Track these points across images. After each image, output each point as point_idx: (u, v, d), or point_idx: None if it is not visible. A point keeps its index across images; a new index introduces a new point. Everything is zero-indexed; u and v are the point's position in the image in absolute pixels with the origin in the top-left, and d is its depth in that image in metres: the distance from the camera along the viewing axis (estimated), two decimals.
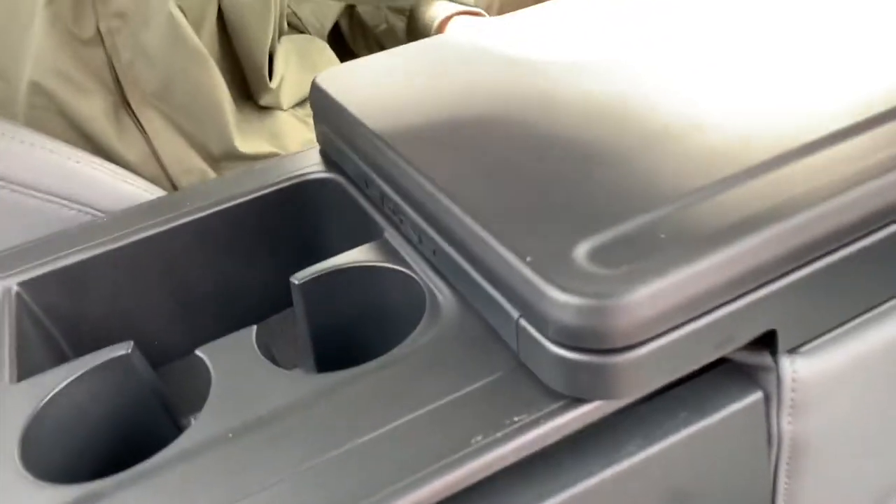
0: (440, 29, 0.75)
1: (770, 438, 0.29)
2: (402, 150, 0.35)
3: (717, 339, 0.26)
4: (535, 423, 0.26)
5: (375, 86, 0.41)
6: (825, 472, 0.31)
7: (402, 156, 0.35)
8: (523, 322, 0.27)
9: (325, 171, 0.42)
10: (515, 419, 0.26)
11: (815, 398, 0.28)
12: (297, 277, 0.35)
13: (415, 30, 0.78)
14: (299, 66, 0.68)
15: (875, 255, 0.28)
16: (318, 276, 0.35)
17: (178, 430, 0.30)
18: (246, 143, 0.60)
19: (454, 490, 0.25)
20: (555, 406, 0.26)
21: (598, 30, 0.43)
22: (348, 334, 0.37)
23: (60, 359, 0.37)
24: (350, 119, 0.39)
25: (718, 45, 0.39)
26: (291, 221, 0.42)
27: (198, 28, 0.59)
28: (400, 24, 0.81)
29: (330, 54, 0.73)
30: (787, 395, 0.28)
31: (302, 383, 0.30)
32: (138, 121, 0.59)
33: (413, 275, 0.34)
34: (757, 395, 0.28)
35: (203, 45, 0.58)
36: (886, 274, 0.29)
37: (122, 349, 0.33)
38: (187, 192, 0.42)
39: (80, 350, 0.34)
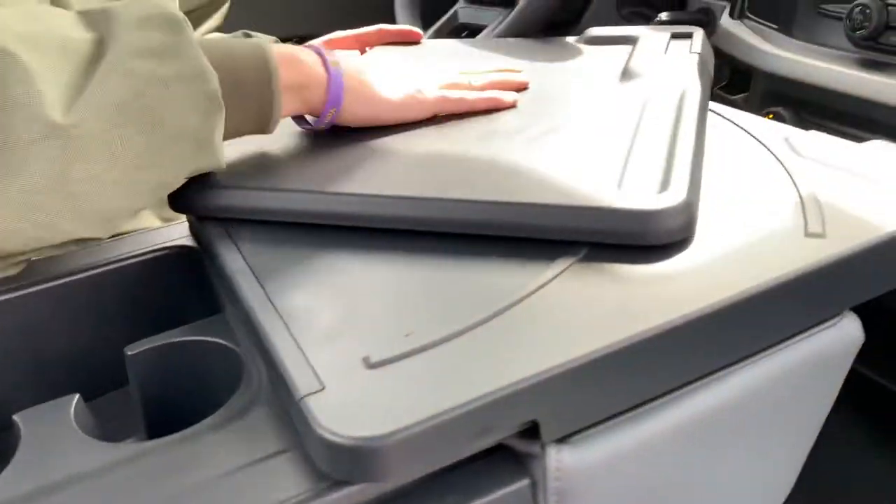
0: None
1: None
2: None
3: (473, 430, 0.28)
4: None
5: None
6: None
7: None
8: (302, 403, 0.29)
9: (189, 243, 0.44)
10: (281, 499, 0.28)
11: (579, 487, 0.30)
12: (130, 348, 0.37)
13: None
14: None
15: (635, 356, 0.30)
16: (151, 348, 0.37)
17: None
18: None
19: None
20: (320, 487, 0.28)
21: None
22: (177, 405, 0.38)
23: None
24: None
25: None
26: (151, 292, 0.44)
27: None
28: None
29: None
30: (552, 483, 0.30)
31: (105, 452, 0.31)
32: None
33: (236, 349, 0.36)
34: (524, 482, 0.30)
35: None
36: (649, 374, 0.31)
37: None
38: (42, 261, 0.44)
39: None
